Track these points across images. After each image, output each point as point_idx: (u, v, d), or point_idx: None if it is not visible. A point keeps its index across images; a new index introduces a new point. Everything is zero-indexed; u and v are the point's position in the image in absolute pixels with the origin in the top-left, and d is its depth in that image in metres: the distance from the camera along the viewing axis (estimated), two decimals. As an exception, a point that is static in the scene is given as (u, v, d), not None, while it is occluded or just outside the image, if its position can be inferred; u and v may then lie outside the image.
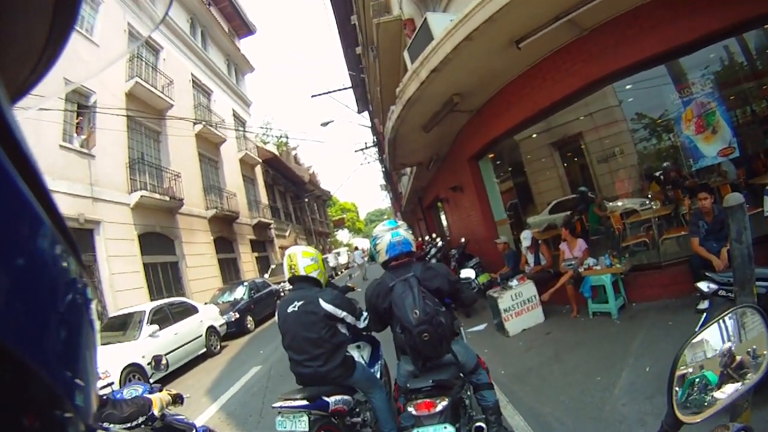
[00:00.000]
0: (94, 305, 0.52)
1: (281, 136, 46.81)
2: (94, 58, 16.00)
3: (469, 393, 4.46)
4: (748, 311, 1.37)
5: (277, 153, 39.26)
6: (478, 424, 4.01)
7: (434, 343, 3.64)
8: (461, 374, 4.06)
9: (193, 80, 26.30)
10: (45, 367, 0.38)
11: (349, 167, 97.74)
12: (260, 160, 35.06)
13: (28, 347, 0.36)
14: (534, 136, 11.33)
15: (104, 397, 3.55)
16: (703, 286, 4.49)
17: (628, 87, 8.55)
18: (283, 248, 27.50)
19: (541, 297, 8.75)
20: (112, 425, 3.34)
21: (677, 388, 1.24)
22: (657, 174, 9.48)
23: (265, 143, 39.39)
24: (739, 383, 1.29)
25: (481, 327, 9.44)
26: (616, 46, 7.59)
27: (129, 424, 3.45)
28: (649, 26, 7.30)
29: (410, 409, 3.63)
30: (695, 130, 7.92)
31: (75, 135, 16.08)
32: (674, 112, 8.20)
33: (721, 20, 6.99)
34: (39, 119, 12.87)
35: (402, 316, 3.65)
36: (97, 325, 0.63)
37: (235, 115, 33.28)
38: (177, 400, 4.25)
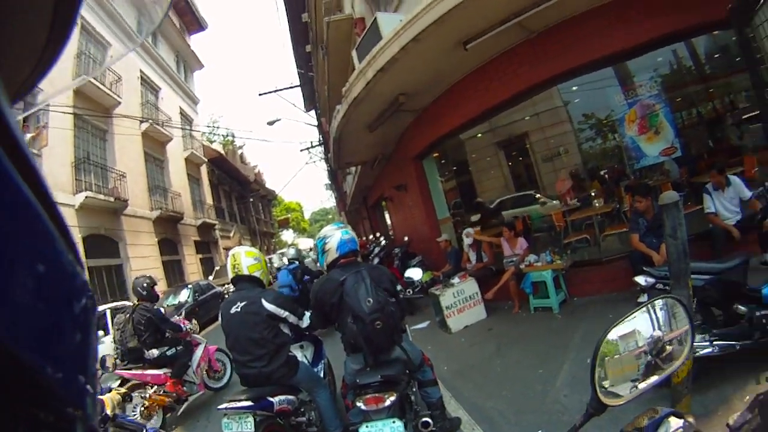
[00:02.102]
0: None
1: (227, 135, 46.26)
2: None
3: (414, 389, 4.51)
4: (669, 301, 1.43)
5: (223, 152, 38.77)
6: (424, 419, 4.08)
7: (386, 332, 3.73)
8: (408, 371, 4.10)
9: (141, 77, 25.83)
10: (54, 369, 0.37)
11: (295, 166, 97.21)
12: (206, 160, 34.58)
13: (32, 348, 0.35)
14: (479, 135, 11.45)
15: None
16: (640, 280, 4.66)
17: (574, 88, 8.72)
18: (228, 249, 27.16)
19: (484, 294, 8.86)
20: None
21: (600, 373, 1.29)
22: (601, 173, 9.73)
23: (211, 142, 38.95)
24: (658, 370, 1.35)
25: (424, 324, 9.53)
26: (564, 49, 7.75)
27: None
28: (597, 30, 7.49)
29: (359, 404, 3.67)
30: (638, 131, 8.17)
31: (23, 134, 15.55)
32: (620, 113, 8.43)
33: (669, 25, 7.25)
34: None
35: (355, 305, 3.70)
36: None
37: (183, 113, 32.81)
38: (126, 398, 4.23)
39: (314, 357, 5.31)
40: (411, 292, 8.33)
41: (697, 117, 9.17)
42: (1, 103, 0.38)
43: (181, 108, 32.60)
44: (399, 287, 4.50)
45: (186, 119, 33.59)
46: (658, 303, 1.41)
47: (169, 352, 7.28)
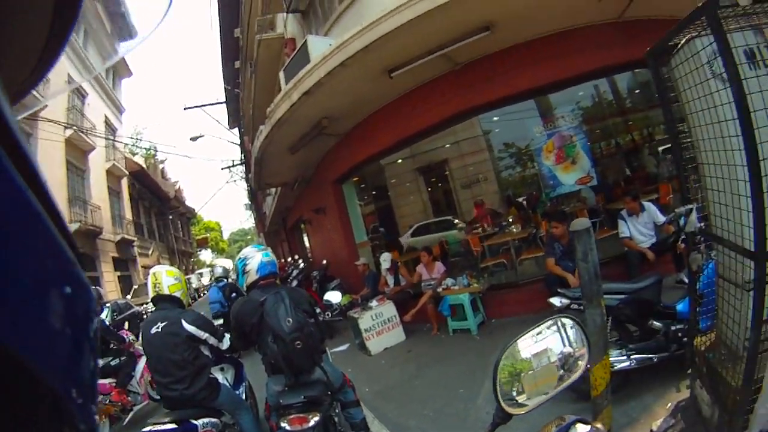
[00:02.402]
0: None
1: (150, 148, 45.00)
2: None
3: (337, 410, 4.55)
4: (566, 320, 1.56)
5: (144, 166, 37.72)
6: None
7: (306, 352, 3.75)
8: (329, 392, 4.11)
9: (69, 81, 24.48)
10: (50, 373, 0.37)
11: (216, 185, 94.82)
12: (127, 173, 33.42)
13: (31, 350, 0.35)
14: (400, 161, 11.65)
15: None
16: (555, 301, 4.89)
17: (495, 118, 9.02)
18: (146, 267, 26.30)
19: (403, 317, 8.98)
20: None
21: (502, 386, 1.40)
22: (519, 199, 10.06)
23: (133, 154, 37.86)
24: (556, 381, 1.47)
25: (344, 347, 9.58)
26: (488, 81, 8.00)
27: None
28: (521, 64, 7.79)
29: (284, 424, 3.69)
30: (555, 161, 8.54)
31: None
32: (539, 143, 8.75)
33: (592, 63, 7.71)
34: None
35: (275, 325, 3.71)
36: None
37: (107, 122, 31.64)
38: None
39: (235, 379, 5.27)
40: (330, 315, 8.42)
41: (616, 147, 9.72)
42: (1, 103, 0.39)
43: (106, 116, 31.45)
44: (318, 310, 4.54)
45: (110, 128, 32.41)
46: (567, 321, 1.55)
47: (113, 362, 7.30)
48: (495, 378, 1.39)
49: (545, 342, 1.51)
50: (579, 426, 1.22)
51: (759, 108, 2.56)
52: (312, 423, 3.65)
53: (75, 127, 23.93)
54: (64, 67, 23.37)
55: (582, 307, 3.97)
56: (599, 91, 9.35)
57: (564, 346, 1.51)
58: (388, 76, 7.79)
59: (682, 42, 3.17)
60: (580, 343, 1.55)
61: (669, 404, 4.07)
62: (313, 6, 11.87)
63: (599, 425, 1.24)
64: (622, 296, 4.56)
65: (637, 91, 9.73)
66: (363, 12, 8.64)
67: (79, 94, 26.78)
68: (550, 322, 1.55)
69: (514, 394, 1.43)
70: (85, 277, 0.47)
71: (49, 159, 21.28)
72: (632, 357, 4.48)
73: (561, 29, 7.79)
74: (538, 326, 1.52)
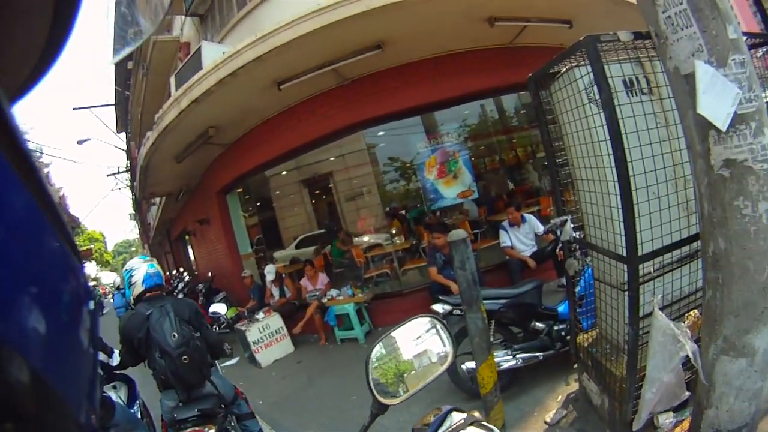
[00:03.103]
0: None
1: (35, 151, 42.27)
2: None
3: (233, 424, 4.46)
4: (428, 319, 1.66)
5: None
6: None
7: (194, 366, 3.75)
8: (222, 405, 4.10)
9: None
10: (44, 368, 0.37)
11: (100, 192, 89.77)
12: (6, 177, 31.14)
13: (29, 349, 0.36)
14: (284, 173, 11.69)
15: None
16: (438, 308, 5.03)
17: (381, 133, 9.25)
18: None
19: (292, 329, 9.03)
20: None
21: (374, 379, 1.49)
22: (402, 212, 10.27)
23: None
24: (426, 373, 1.57)
25: (234, 361, 9.50)
26: (376, 96, 8.22)
27: None
28: (410, 82, 8.08)
29: None
30: (437, 175, 8.86)
31: None
32: (423, 158, 9.04)
33: (477, 84, 8.11)
34: None
35: (161, 340, 3.69)
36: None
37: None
38: None
39: (129, 397, 5.09)
40: (217, 328, 8.33)
41: (500, 163, 10.14)
42: (1, 103, 0.39)
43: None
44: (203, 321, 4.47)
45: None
46: (438, 324, 1.65)
47: None
48: (367, 372, 1.49)
49: (426, 344, 1.62)
50: (454, 414, 1.30)
51: (631, 131, 2.91)
52: None
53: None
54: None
55: (463, 312, 4.18)
56: (485, 110, 9.80)
57: (444, 345, 1.62)
58: (277, 87, 7.83)
59: (564, 70, 3.49)
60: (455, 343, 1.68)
61: (560, 397, 4.47)
62: (212, 11, 11.73)
63: (476, 413, 1.31)
64: (504, 300, 4.84)
65: (522, 111, 10.23)
66: (260, 22, 8.69)
67: None
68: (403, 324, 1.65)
69: (387, 386, 1.53)
70: (85, 276, 0.49)
71: None
72: (518, 356, 4.78)
73: (452, 51, 8.15)
74: (399, 325, 1.62)
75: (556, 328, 4.85)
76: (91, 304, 0.50)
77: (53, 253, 0.44)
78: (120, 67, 20.58)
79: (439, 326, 1.65)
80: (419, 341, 1.62)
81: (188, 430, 3.68)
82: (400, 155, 9.83)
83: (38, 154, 40.32)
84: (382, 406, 1.48)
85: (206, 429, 3.67)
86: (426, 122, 9.13)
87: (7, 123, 0.39)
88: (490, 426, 1.23)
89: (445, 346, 1.63)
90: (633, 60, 3.11)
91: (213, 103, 8.02)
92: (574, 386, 4.41)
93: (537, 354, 4.81)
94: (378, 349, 1.57)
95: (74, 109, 28.82)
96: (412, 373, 1.57)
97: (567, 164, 3.89)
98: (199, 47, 8.66)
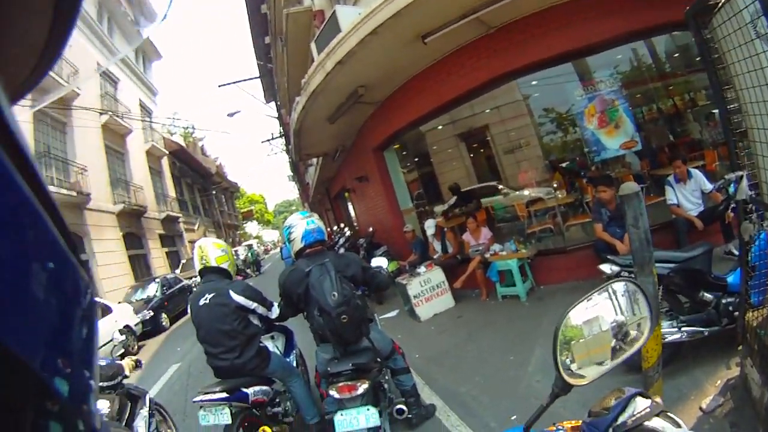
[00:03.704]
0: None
1: (188, 127, 45.45)
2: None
3: (387, 377, 4.60)
4: (630, 286, 1.46)
5: (183, 144, 38.16)
6: (399, 406, 4.24)
7: (352, 325, 3.79)
8: (378, 359, 4.14)
9: (98, 68, 24.83)
10: (43, 366, 0.37)
11: (257, 158, 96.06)
12: (167, 152, 34.07)
13: (28, 347, 0.36)
14: (440, 127, 11.51)
15: None
16: (605, 268, 4.74)
17: (534, 83, 8.83)
18: (193, 242, 26.82)
19: (453, 284, 8.93)
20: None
21: (563, 355, 1.34)
22: (563, 165, 9.87)
23: (171, 134, 38.25)
24: (621, 353, 1.40)
25: (393, 313, 9.58)
26: (523, 44, 7.80)
27: (111, 383, 3.99)
28: (556, 27, 7.56)
29: (333, 392, 3.72)
30: (598, 125, 8.30)
31: None
32: (579, 107, 8.53)
33: (628, 24, 7.38)
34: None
35: (320, 299, 3.74)
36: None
37: (142, 105, 32.14)
38: (137, 365, 4.76)
39: (286, 347, 5.32)
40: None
41: (658, 112, 9.36)
42: (1, 103, 0.39)
43: (140, 99, 31.95)
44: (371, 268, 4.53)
45: (145, 111, 32.91)
46: (619, 288, 1.45)
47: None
48: (555, 346, 1.34)
49: (596, 309, 1.42)
50: (639, 399, 1.18)
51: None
52: (360, 390, 3.68)
53: (110, 113, 24.20)
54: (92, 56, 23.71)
55: (633, 275, 3.81)
56: (637, 54, 9.04)
57: (617, 314, 1.42)
58: (421, 41, 7.68)
59: (723, 1, 2.98)
60: (636, 311, 1.46)
61: (719, 381, 4.01)
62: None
63: (658, 399, 1.19)
64: (673, 265, 4.36)
65: (675, 54, 9.39)
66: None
67: (111, 80, 27.15)
68: (620, 287, 1.46)
69: (569, 363, 1.37)
70: (84, 275, 0.48)
71: (89, 145, 21.77)
72: (683, 329, 4.31)
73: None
74: (597, 290, 1.43)
75: (724, 301, 4.26)
76: (90, 304, 0.49)
77: (53, 253, 0.43)
78: (257, 42, 21.25)
79: (638, 294, 1.46)
80: (613, 311, 1.43)
81: (341, 383, 3.73)
82: (556, 105, 9.40)
83: (191, 130, 43.54)
84: (567, 386, 1.34)
85: (359, 384, 3.71)
86: (579, 69, 8.56)
87: (7, 123, 0.39)
88: (677, 419, 1.10)
89: (632, 318, 1.44)
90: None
91: (358, 63, 8.04)
92: (736, 371, 3.94)
93: (702, 329, 4.29)
94: (568, 319, 1.39)
95: (219, 86, 30.27)
96: (604, 347, 1.40)
97: (739, 111, 3.35)
98: (333, 12, 8.59)
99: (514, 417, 4.30)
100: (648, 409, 1.14)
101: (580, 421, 1.37)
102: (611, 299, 1.43)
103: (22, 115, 16.36)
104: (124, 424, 4.38)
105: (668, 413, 1.12)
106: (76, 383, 0.43)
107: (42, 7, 0.51)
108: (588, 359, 1.39)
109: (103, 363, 4.30)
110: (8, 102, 0.41)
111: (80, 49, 22.45)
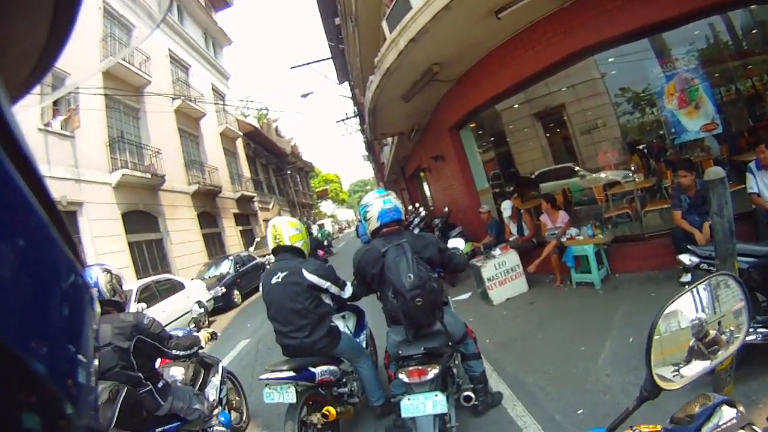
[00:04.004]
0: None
1: (261, 109, 46.35)
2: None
3: (457, 362, 4.52)
4: (729, 280, 1.34)
5: (257, 126, 38.86)
6: (466, 393, 4.13)
7: (427, 308, 3.71)
8: (450, 343, 4.07)
9: (170, 55, 25.91)
10: (41, 363, 0.37)
11: (331, 138, 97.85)
12: (241, 134, 34.84)
13: (27, 345, 0.36)
14: (516, 106, 11.29)
15: (169, 333, 4.12)
16: (685, 258, 4.48)
17: (610, 60, 8.50)
18: (267, 221, 27.49)
19: (527, 267, 8.78)
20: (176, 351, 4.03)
21: (655, 355, 1.23)
22: (640, 147, 9.48)
23: (245, 116, 39.00)
24: (715, 354, 1.28)
25: (466, 296, 9.50)
26: (598, 18, 7.49)
27: (188, 352, 4.16)
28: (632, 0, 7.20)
29: (402, 376, 3.65)
30: (678, 105, 7.87)
31: (54, 118, 15.84)
32: (657, 86, 8.14)
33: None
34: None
35: (395, 280, 3.69)
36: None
37: (214, 89, 32.93)
38: (213, 336, 5.03)
39: (356, 327, 5.33)
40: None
41: (736, 93, 8.74)
42: (1, 103, 0.39)
43: (212, 84, 32.74)
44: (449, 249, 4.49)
45: (218, 95, 33.68)
46: (713, 282, 1.32)
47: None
48: (649, 345, 1.24)
49: (677, 305, 1.30)
50: (725, 409, 1.08)
51: None
52: (430, 375, 3.59)
53: (183, 97, 24.99)
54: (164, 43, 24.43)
55: (712, 268, 3.54)
56: (715, 30, 8.34)
57: (697, 310, 1.29)
58: (495, 17, 7.48)
59: None
60: (717, 308, 1.32)
61: None
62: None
63: (742, 409, 1.09)
64: (753, 259, 4.00)
65: (754, 31, 8.61)
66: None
67: (182, 66, 27.86)
68: (713, 281, 1.33)
69: (666, 363, 1.27)
70: (84, 275, 0.49)
71: (162, 129, 22.60)
72: (759, 330, 3.90)
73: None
74: (697, 285, 1.31)
75: None
76: (74, 285, 0.48)
77: (52, 253, 0.43)
78: (327, 23, 21.44)
79: (738, 289, 1.33)
80: (693, 306, 1.30)
81: (411, 367, 3.66)
82: (632, 84, 8.98)
83: (265, 112, 44.70)
84: (657, 390, 1.22)
85: (430, 368, 3.62)
86: (656, 45, 8.10)
87: (7, 123, 0.40)
88: None
89: (741, 315, 1.32)
90: None
91: (432, 40, 7.92)
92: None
93: None
94: (666, 315, 1.28)
95: (292, 68, 30.63)
96: (681, 347, 1.28)
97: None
98: (404, -12, 8.44)
99: (581, 411, 4.18)
100: (734, 421, 1.04)
101: (659, 427, 1.24)
102: (693, 292, 1.31)
103: (93, 102, 17.04)
104: (197, 389, 4.57)
105: (753, 426, 1.03)
106: (57, 360, 0.42)
107: (42, 7, 0.51)
108: (662, 359, 1.27)
109: (180, 333, 4.39)
110: (8, 102, 0.41)
111: (151, 38, 23.40)
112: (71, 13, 0.54)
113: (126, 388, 3.39)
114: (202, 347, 4.48)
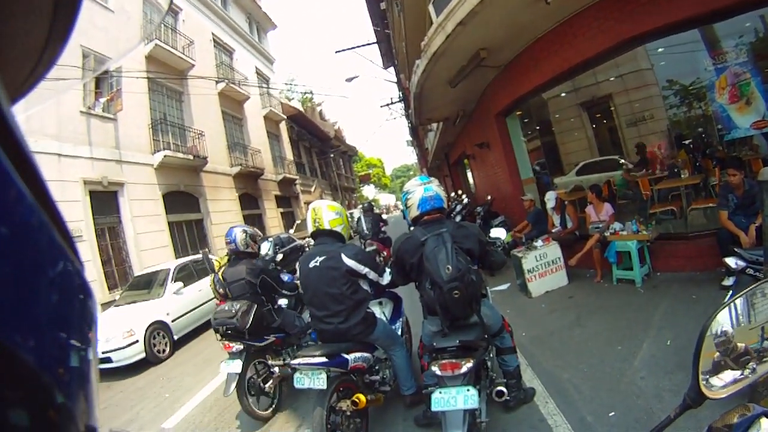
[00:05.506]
0: (98, 297, 0.48)
1: (306, 93, 46.59)
2: (110, 24, 15.56)
3: (491, 356, 4.45)
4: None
5: (301, 109, 39.14)
6: (499, 388, 4.06)
7: (464, 301, 3.60)
8: (486, 336, 3.99)
9: (214, 40, 26.22)
10: (37, 361, 0.37)
11: (375, 123, 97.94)
12: (285, 117, 35.02)
13: (26, 344, 0.36)
14: (563, 95, 11.16)
15: (282, 279, 6.34)
16: (731, 261, 4.37)
17: (660, 50, 8.26)
18: (309, 203, 27.81)
19: (568, 260, 8.68)
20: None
21: (704, 363, 1.17)
22: (686, 142, 9.17)
23: (289, 100, 39.27)
24: (765, 363, 1.20)
25: (505, 287, 9.44)
26: (650, 5, 7.26)
27: (292, 292, 6.32)
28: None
29: (434, 368, 3.59)
30: (729, 99, 7.56)
31: (97, 101, 16.16)
32: (707, 79, 7.84)
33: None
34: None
35: (434, 271, 3.60)
36: (99, 310, 0.60)
37: (258, 73, 33.14)
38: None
39: (393, 314, 5.32)
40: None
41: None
42: (1, 103, 0.39)
43: (256, 67, 32.92)
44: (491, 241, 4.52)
45: (262, 78, 33.88)
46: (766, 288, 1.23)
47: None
48: (698, 351, 1.17)
49: (729, 310, 1.21)
50: (764, 421, 1.00)
51: None
52: (464, 369, 3.50)
53: (226, 81, 25.27)
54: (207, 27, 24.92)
55: (759, 273, 3.37)
56: (766, 23, 7.82)
57: (749, 318, 1.22)
58: (544, 1, 7.34)
59: None
60: (750, 318, 1.23)
61: None
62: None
63: None
64: None
65: None
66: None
67: (225, 50, 28.19)
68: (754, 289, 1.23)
69: (715, 371, 1.19)
70: (83, 275, 0.48)
71: (206, 112, 22.97)
72: None
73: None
74: (750, 290, 1.22)
75: None
76: (63, 272, 0.46)
77: (52, 253, 0.43)
78: (372, 8, 21.39)
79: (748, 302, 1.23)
80: (762, 314, 1.22)
81: (445, 360, 3.60)
82: (681, 76, 8.66)
83: (309, 95, 45.06)
84: (702, 398, 1.16)
85: (463, 362, 3.54)
86: (706, 36, 7.76)
87: (7, 123, 0.40)
88: None
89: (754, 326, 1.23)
90: None
91: (480, 24, 7.86)
92: None
93: None
94: (721, 318, 1.20)
95: (336, 51, 30.64)
96: (705, 357, 1.19)
97: None
98: (451, -29, 8.31)
99: (612, 414, 4.10)
100: (774, 434, 0.96)
101: None
102: (745, 298, 1.23)
103: (136, 86, 17.20)
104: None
105: None
106: (46, 349, 0.41)
107: (42, 7, 0.51)
108: (709, 367, 1.20)
109: (285, 278, 6.69)
110: (8, 102, 0.42)
111: (195, 23, 23.78)
112: (71, 13, 0.54)
113: (255, 305, 5.48)
114: (300, 292, 4.86)
